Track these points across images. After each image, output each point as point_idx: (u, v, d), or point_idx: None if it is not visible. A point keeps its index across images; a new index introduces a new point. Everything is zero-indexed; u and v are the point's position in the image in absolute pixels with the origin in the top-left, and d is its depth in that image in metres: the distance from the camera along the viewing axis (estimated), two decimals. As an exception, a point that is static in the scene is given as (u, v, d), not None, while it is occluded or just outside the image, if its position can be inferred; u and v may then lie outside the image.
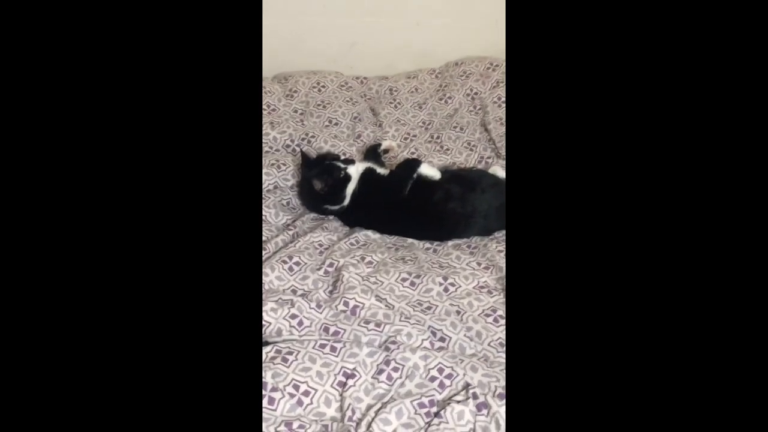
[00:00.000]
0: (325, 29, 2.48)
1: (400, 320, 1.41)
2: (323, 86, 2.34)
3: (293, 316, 1.36)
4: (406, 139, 2.25)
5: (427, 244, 1.75)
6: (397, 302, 1.47)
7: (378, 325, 1.37)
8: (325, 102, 2.29)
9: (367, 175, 1.84)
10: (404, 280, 1.55)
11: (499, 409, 1.19)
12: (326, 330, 1.36)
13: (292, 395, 1.18)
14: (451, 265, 1.64)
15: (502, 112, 2.31)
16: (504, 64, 2.44)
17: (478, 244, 1.76)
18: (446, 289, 1.53)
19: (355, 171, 1.83)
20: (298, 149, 2.05)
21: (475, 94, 2.38)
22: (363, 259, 1.62)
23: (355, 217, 1.81)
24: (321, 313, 1.40)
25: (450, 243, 1.77)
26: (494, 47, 2.54)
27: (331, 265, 1.58)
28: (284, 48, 2.46)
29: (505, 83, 2.38)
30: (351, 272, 1.54)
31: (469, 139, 2.24)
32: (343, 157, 1.91)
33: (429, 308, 1.47)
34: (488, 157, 2.18)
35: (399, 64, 2.58)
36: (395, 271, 1.57)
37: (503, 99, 2.34)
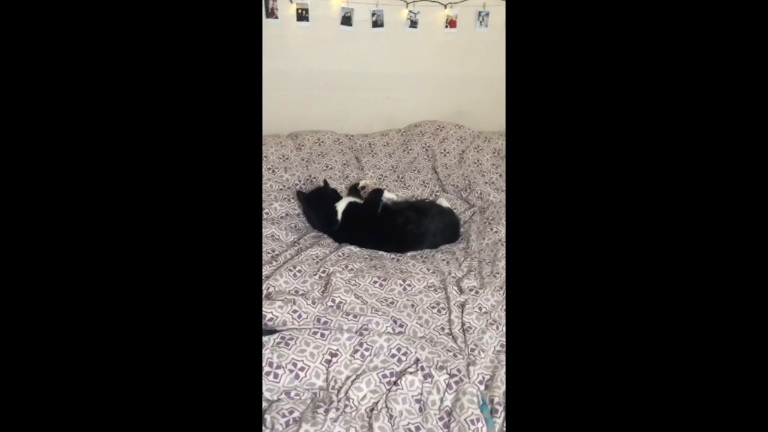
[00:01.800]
0: (324, 101, 2.46)
1: (371, 312, 1.37)
2: (322, 141, 2.31)
3: (294, 311, 1.32)
4: (380, 178, 2.22)
5: (392, 255, 1.71)
6: (370, 299, 1.44)
7: (355, 316, 1.33)
8: (324, 152, 2.26)
9: (350, 207, 1.81)
10: (375, 282, 1.51)
11: (439, 378, 1.16)
12: (318, 320, 1.32)
13: (291, 371, 1.14)
14: (409, 270, 1.60)
15: (446, 159, 2.29)
16: (447, 126, 2.42)
17: (428, 255, 1.72)
18: (405, 289, 1.50)
19: (342, 205, 1.79)
20: (303, 187, 2.01)
21: (428, 147, 2.36)
22: (347, 266, 1.58)
23: (342, 236, 1.77)
24: (315, 308, 1.36)
25: (408, 254, 1.74)
26: (441, 114, 2.53)
27: (324, 271, 1.54)
28: (296, 114, 2.43)
29: (449, 139, 2.37)
30: (338, 277, 1.50)
31: (424, 179, 2.21)
32: (333, 189, 1.87)
33: (392, 303, 1.43)
34: (436, 191, 2.15)
35: (375, 125, 2.56)
36: (369, 276, 1.53)
37: (447, 150, 2.32)
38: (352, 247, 1.72)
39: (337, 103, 2.48)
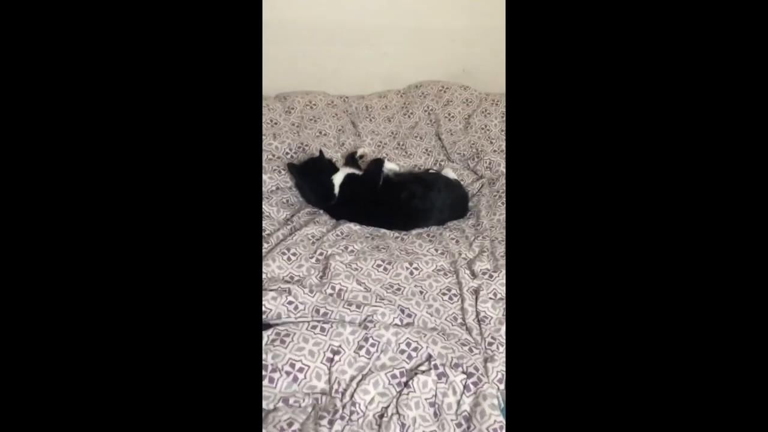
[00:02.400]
0: (315, 57, 2.23)
1: (375, 301, 1.24)
2: (314, 104, 2.11)
3: (290, 303, 1.18)
4: (378, 146, 2.05)
5: (396, 234, 1.57)
6: (374, 285, 1.30)
7: (358, 306, 1.20)
8: (316, 117, 2.07)
9: (348, 179, 1.64)
10: (379, 266, 1.37)
11: (455, 378, 1.05)
12: (317, 311, 1.19)
13: (288, 373, 1.02)
14: (415, 251, 1.46)
15: (451, 125, 2.11)
16: (452, 87, 2.23)
17: (435, 233, 1.58)
18: (411, 273, 1.36)
19: (339, 177, 1.63)
20: (295, 157, 1.83)
21: (431, 110, 2.17)
22: (346, 248, 1.43)
23: (340, 212, 1.62)
24: (313, 297, 1.22)
25: (414, 232, 1.59)
26: (444, 73, 2.33)
27: (321, 254, 1.40)
28: (284, 72, 2.20)
29: (453, 102, 2.18)
30: (337, 260, 1.36)
31: (427, 146, 2.04)
32: (328, 159, 1.70)
33: (398, 289, 1.30)
34: (441, 160, 1.99)
35: (372, 84, 2.35)
36: (372, 259, 1.39)
37: (452, 114, 2.14)
38: (352, 225, 1.57)
39: (330, 60, 2.25)
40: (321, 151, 1.73)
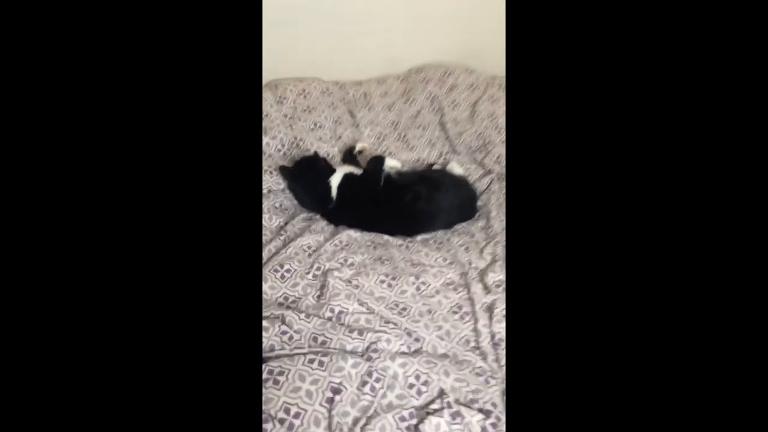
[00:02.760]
0: (307, 40, 2.05)
1: (380, 325, 1.12)
2: (308, 93, 1.95)
3: (284, 332, 1.06)
4: (379, 138, 1.89)
5: (399, 241, 1.44)
6: (377, 305, 1.18)
7: (360, 332, 1.08)
8: (310, 107, 1.91)
9: (346, 180, 1.50)
10: (382, 282, 1.24)
11: (471, 419, 0.93)
12: (315, 339, 1.07)
13: (282, 421, 0.90)
14: (421, 262, 1.34)
15: (456, 113, 1.95)
16: (456, 71, 2.06)
17: (443, 239, 1.45)
18: (418, 288, 1.24)
19: (336, 178, 1.49)
20: (288, 154, 1.69)
21: (434, 97, 2.01)
22: (346, 261, 1.31)
23: (338, 217, 1.49)
24: (310, 322, 1.10)
25: (419, 238, 1.46)
26: (449, 54, 2.15)
27: (318, 269, 1.27)
28: (274, 57, 2.02)
29: (458, 88, 2.02)
30: (335, 277, 1.23)
31: (430, 137, 1.89)
32: (323, 159, 1.55)
33: (404, 309, 1.18)
34: (446, 153, 1.84)
35: (370, 69, 2.17)
36: (374, 274, 1.26)
37: (457, 101, 1.98)
38: (352, 232, 1.43)
39: (323, 42, 2.08)
40: (315, 153, 1.58)
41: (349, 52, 2.11)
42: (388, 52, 2.15)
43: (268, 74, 2.03)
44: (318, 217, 1.50)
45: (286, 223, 1.45)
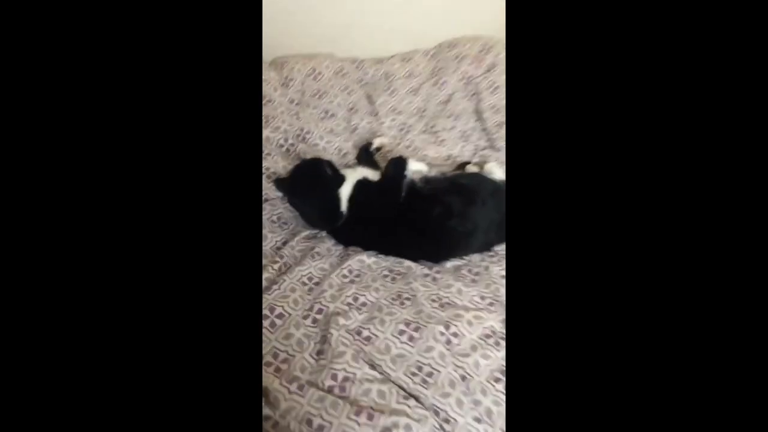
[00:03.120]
0: (319, 9, 1.72)
1: (397, 401, 0.84)
2: (319, 73, 1.64)
3: (266, 417, 0.80)
4: (401, 129, 1.58)
5: (425, 270, 1.15)
6: (394, 370, 0.90)
7: (370, 416, 0.81)
8: (321, 91, 1.61)
9: (360, 189, 1.21)
10: (402, 332, 0.96)
11: None
12: (309, 423, 0.80)
13: None
14: (453, 302, 1.04)
15: (496, 99, 1.62)
16: (496, 47, 1.71)
17: (479, 267, 1.15)
18: (448, 342, 0.95)
19: (347, 188, 1.19)
20: (292, 149, 1.40)
21: (469, 78, 1.67)
22: (356, 300, 1.02)
23: (349, 235, 1.20)
24: (304, 396, 0.83)
25: (449, 265, 1.17)
26: (488, 26, 1.78)
27: (319, 311, 0.99)
28: (280, 30, 1.71)
29: (499, 67, 1.67)
30: (341, 326, 0.95)
31: (464, 129, 1.57)
32: (328, 163, 1.24)
33: (430, 375, 0.90)
34: (483, 148, 1.52)
35: (392, 43, 1.83)
36: (391, 321, 0.98)
37: (497, 84, 1.64)
38: (364, 257, 1.15)
39: (340, 13, 1.75)
40: (319, 159, 1.27)
41: (368, 23, 1.77)
42: (414, 23, 1.80)
43: (272, 50, 1.73)
44: (324, 234, 1.22)
45: (284, 243, 1.17)
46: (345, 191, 1.19)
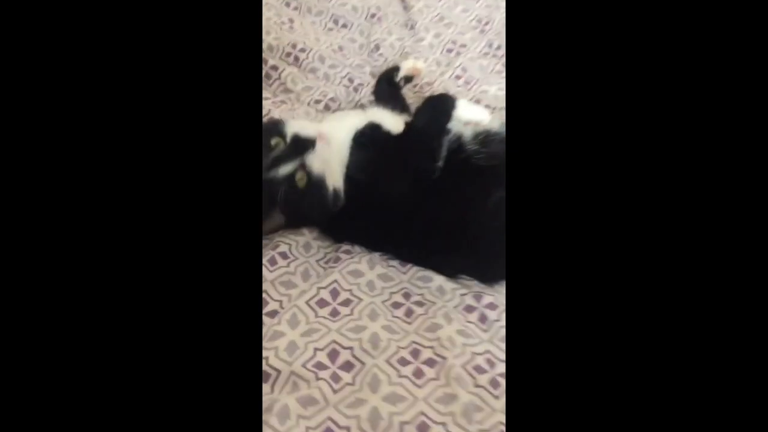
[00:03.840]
0: None
1: None
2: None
3: None
4: (450, 51, 1.04)
5: (469, 297, 0.65)
6: None
7: None
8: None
9: (366, 139, 0.71)
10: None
11: None
12: None
13: None
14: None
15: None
16: None
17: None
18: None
19: (343, 136, 0.70)
20: (273, 74, 0.91)
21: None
22: (329, 372, 0.56)
23: (343, 223, 0.72)
24: None
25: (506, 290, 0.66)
26: None
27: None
28: None
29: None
30: None
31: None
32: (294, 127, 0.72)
33: None
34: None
35: None
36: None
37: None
38: (364, 265, 0.66)
39: None
40: (279, 119, 0.75)
41: None
42: None
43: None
44: (318, 231, 0.74)
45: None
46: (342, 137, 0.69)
